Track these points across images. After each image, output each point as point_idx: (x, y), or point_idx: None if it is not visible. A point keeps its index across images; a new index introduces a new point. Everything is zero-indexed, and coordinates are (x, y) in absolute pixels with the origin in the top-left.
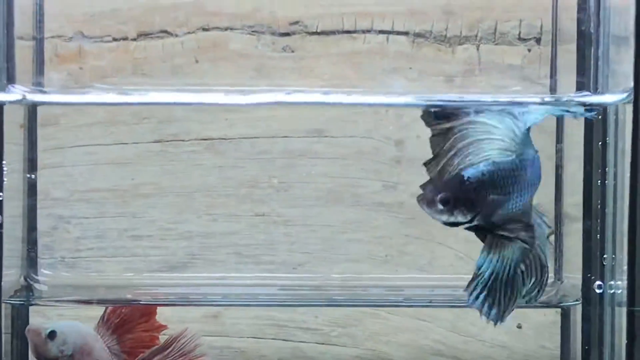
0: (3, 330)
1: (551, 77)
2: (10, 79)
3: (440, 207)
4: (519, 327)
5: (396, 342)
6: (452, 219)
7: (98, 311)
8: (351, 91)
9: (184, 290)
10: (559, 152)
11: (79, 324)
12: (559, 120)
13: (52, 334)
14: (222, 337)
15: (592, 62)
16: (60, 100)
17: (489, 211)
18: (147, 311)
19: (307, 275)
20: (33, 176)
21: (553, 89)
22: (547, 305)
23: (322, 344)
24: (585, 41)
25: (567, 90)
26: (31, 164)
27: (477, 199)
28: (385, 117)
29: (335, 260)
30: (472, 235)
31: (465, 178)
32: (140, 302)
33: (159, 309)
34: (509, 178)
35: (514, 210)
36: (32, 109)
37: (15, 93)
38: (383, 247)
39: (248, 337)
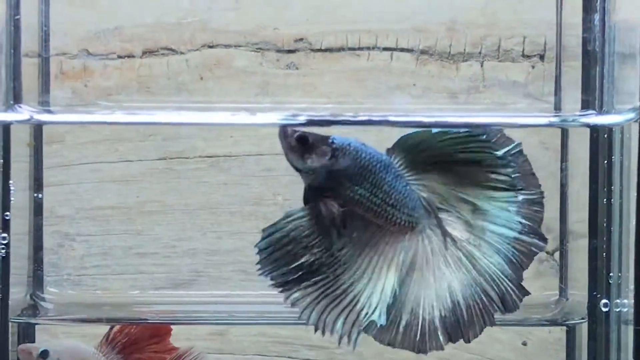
0: (10, 348)
1: (555, 94)
2: (17, 98)
3: (294, 142)
4: (524, 344)
5: (401, 359)
6: (298, 163)
7: (105, 329)
8: (358, 108)
9: (189, 308)
10: (564, 170)
11: (75, 342)
12: (564, 138)
13: (44, 354)
14: (228, 355)
15: (597, 80)
16: (66, 120)
17: (331, 179)
18: (160, 332)
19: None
20: (40, 195)
21: (557, 106)
22: (553, 322)
23: None
24: (590, 59)
25: (572, 106)
26: (37, 182)
27: (329, 160)
28: (390, 132)
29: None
30: None
31: (330, 139)
32: (147, 321)
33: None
34: (372, 166)
35: (364, 203)
36: (37, 127)
37: (22, 113)
38: None
39: (253, 355)
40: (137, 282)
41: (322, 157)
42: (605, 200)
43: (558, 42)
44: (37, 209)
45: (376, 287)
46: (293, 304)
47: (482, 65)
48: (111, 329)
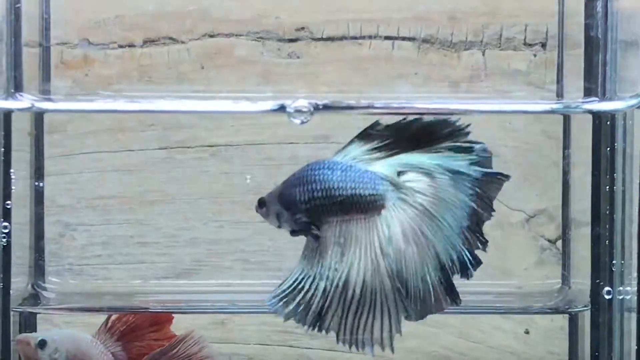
0: (12, 338)
1: (557, 82)
2: (18, 87)
3: (259, 209)
4: (527, 332)
5: (404, 348)
6: (275, 222)
7: (103, 319)
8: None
9: (190, 297)
10: (566, 158)
11: (72, 331)
12: (566, 126)
13: (42, 343)
14: (229, 344)
15: (599, 67)
16: (68, 108)
17: (294, 209)
18: (160, 320)
19: None
20: (41, 184)
21: (560, 94)
22: (556, 310)
23: (329, 350)
24: (593, 47)
25: (574, 95)
26: (38, 172)
27: (284, 199)
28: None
29: None
30: None
31: (283, 182)
32: (148, 310)
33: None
34: (314, 177)
35: (321, 209)
36: (38, 117)
37: (23, 101)
38: None
39: (255, 344)
40: (138, 272)
41: (279, 205)
42: (607, 187)
43: (560, 30)
44: (38, 198)
45: (376, 278)
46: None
47: (483, 54)
48: (109, 317)
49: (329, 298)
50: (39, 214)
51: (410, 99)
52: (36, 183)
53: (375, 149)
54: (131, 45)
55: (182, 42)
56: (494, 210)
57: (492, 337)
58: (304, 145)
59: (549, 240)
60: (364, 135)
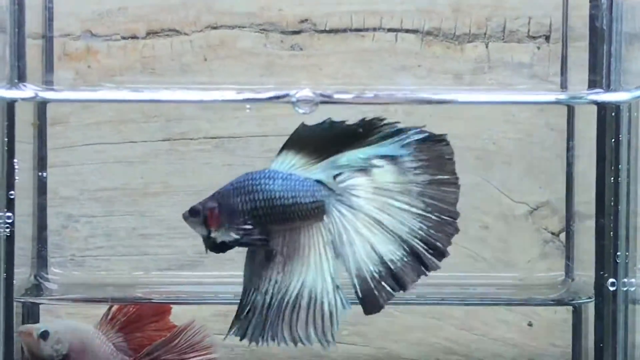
0: (15, 328)
1: (562, 74)
2: (21, 78)
3: (191, 218)
4: (530, 324)
5: (407, 340)
6: (207, 232)
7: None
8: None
9: (193, 289)
10: (570, 150)
11: (74, 322)
12: (570, 118)
13: (44, 334)
14: (232, 336)
15: (604, 59)
16: (72, 98)
17: (237, 220)
18: (160, 311)
19: None
20: (45, 174)
21: (564, 86)
22: (560, 302)
23: None
24: (598, 38)
25: (578, 87)
26: (41, 163)
27: (223, 210)
28: (394, 115)
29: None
30: (482, 233)
31: (216, 192)
32: (151, 301)
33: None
34: (255, 186)
35: (264, 219)
36: (42, 107)
37: (26, 90)
38: None
39: None
40: (141, 263)
41: (217, 216)
42: (612, 179)
43: (564, 22)
44: (42, 189)
45: (324, 280)
46: (251, 339)
47: (487, 46)
48: (110, 308)
49: (272, 310)
50: (42, 204)
51: (414, 91)
52: (40, 174)
53: (309, 154)
54: (134, 37)
55: (185, 34)
56: (456, 185)
57: (495, 329)
58: None
59: (552, 233)
60: (295, 141)
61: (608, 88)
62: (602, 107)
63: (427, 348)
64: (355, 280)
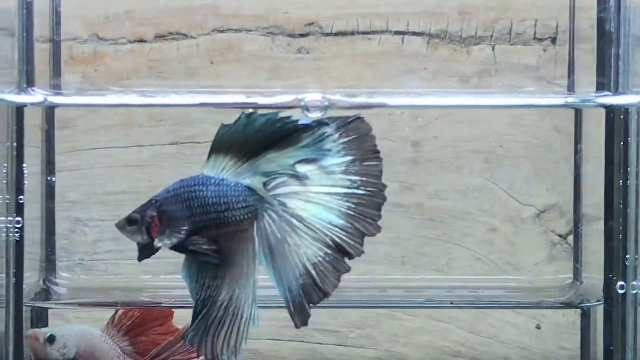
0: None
1: (569, 76)
2: (30, 82)
3: (128, 227)
4: (538, 327)
5: (414, 343)
6: (149, 240)
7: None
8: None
9: None
10: (578, 152)
11: (82, 326)
12: (577, 120)
13: (51, 338)
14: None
15: (612, 61)
16: (80, 102)
17: (177, 227)
18: (163, 314)
19: None
20: (53, 179)
21: (571, 89)
22: (568, 305)
23: (340, 345)
24: (606, 41)
25: (584, 89)
26: (49, 167)
27: (163, 218)
28: (400, 119)
29: (353, 261)
30: (490, 236)
31: (153, 200)
32: (160, 305)
33: (176, 311)
34: (191, 193)
35: (203, 224)
36: (49, 112)
37: (35, 95)
38: (400, 249)
39: (266, 339)
40: (148, 267)
41: (158, 222)
42: (621, 181)
43: (571, 24)
44: (50, 193)
45: (248, 289)
46: (192, 345)
47: (493, 49)
48: (116, 312)
49: (202, 316)
50: (50, 209)
51: (422, 94)
52: (48, 178)
53: (236, 154)
54: (141, 41)
55: (192, 37)
56: (378, 158)
57: (503, 332)
58: None
59: (560, 235)
60: (220, 144)
61: (616, 90)
62: (610, 109)
63: (436, 351)
64: (287, 295)
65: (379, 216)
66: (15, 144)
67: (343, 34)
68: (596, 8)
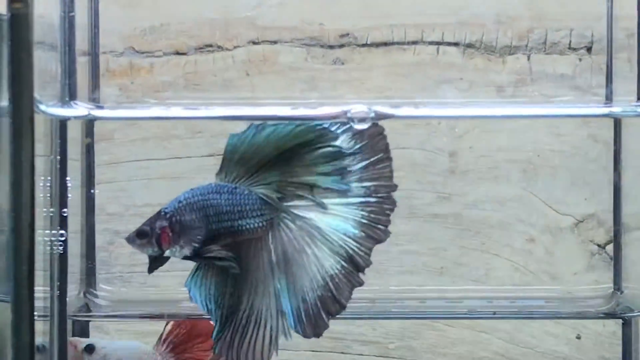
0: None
1: (606, 86)
2: (72, 96)
3: (139, 241)
4: (578, 337)
5: (454, 354)
6: (160, 252)
7: (156, 326)
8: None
9: None
10: (617, 162)
11: (134, 342)
12: (617, 130)
13: (89, 348)
14: (280, 351)
15: None
16: (123, 115)
17: (192, 236)
18: (205, 331)
19: (363, 288)
20: (93, 191)
21: (609, 98)
22: (610, 315)
23: (380, 356)
24: None
25: (621, 98)
26: (89, 180)
27: (176, 228)
28: (437, 129)
29: (391, 272)
30: (528, 246)
31: (162, 211)
32: (202, 317)
33: None
34: (205, 202)
35: (217, 232)
36: (89, 125)
37: (78, 109)
38: (438, 259)
39: (306, 351)
40: (184, 279)
41: (169, 234)
42: None
43: (609, 33)
44: (90, 206)
45: (265, 299)
46: (221, 355)
47: (528, 59)
48: (164, 329)
49: (223, 324)
50: (90, 222)
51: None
52: (92, 191)
53: (249, 166)
54: (177, 53)
55: (228, 50)
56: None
57: (543, 342)
58: None
59: (599, 245)
60: (232, 153)
61: None
62: None
63: None
64: (301, 305)
65: (389, 221)
66: (59, 157)
67: (378, 44)
68: (637, 17)
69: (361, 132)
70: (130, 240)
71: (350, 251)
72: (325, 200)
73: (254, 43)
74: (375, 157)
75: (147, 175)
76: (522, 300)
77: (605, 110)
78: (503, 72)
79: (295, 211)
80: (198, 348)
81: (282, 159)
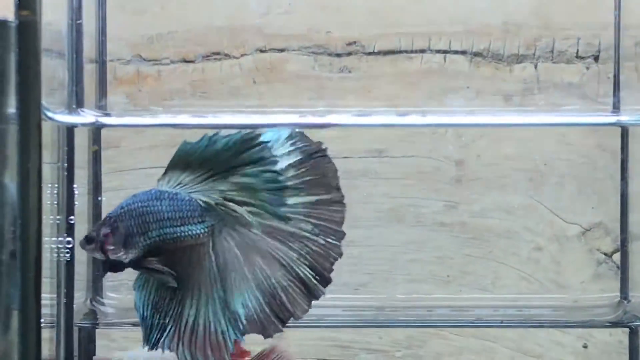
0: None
1: (614, 94)
2: (79, 103)
3: (87, 246)
4: (585, 346)
5: None
6: (104, 255)
7: None
8: (409, 111)
9: None
10: (624, 171)
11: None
12: (624, 138)
13: None
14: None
15: None
16: (131, 123)
17: (133, 243)
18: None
19: (370, 296)
20: (104, 198)
21: (616, 107)
22: (617, 324)
23: None
24: None
25: (629, 107)
26: (96, 187)
27: (117, 234)
28: (444, 137)
29: (398, 280)
30: (535, 255)
31: (107, 217)
32: None
33: None
34: (145, 208)
35: (159, 238)
36: (96, 132)
37: (86, 116)
38: (445, 267)
39: (312, 359)
40: None
41: (112, 239)
42: None
43: (617, 42)
44: (97, 213)
45: (210, 305)
46: (170, 350)
47: (536, 67)
48: None
49: (170, 332)
50: None
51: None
52: (99, 198)
53: (194, 172)
54: (184, 61)
55: (235, 57)
56: (342, 203)
57: (550, 351)
58: (358, 159)
59: (605, 254)
60: (179, 160)
61: None
62: None
63: None
64: (244, 311)
65: (332, 270)
66: (66, 164)
67: (385, 53)
68: None
69: (311, 158)
70: (81, 245)
71: (296, 267)
72: (267, 221)
73: (261, 51)
74: (328, 197)
75: (153, 183)
76: (529, 308)
77: (613, 118)
78: (510, 80)
79: (238, 222)
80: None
81: (229, 172)
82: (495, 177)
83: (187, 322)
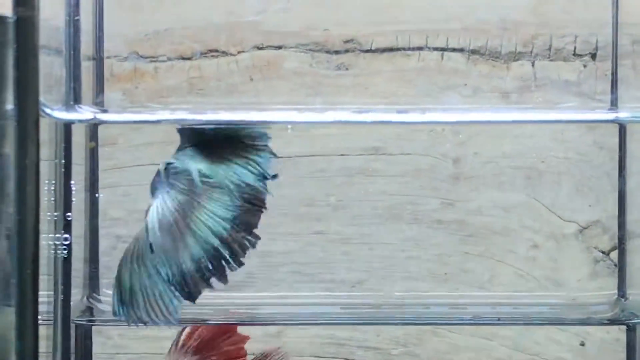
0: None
1: (612, 92)
2: (76, 99)
3: None
4: (582, 344)
5: (460, 359)
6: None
7: (156, 331)
8: (408, 109)
9: (243, 310)
10: (622, 168)
11: None
12: (621, 136)
13: None
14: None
15: None
16: (128, 119)
17: None
18: (229, 327)
19: (367, 294)
20: (101, 195)
21: (614, 104)
22: (614, 322)
23: None
24: None
25: (629, 105)
26: (93, 184)
27: None
28: (441, 135)
29: (395, 278)
30: (532, 252)
31: None
32: (206, 322)
33: None
34: None
35: None
36: (93, 129)
37: (83, 113)
38: (442, 265)
39: (309, 356)
40: None
41: None
42: None
43: (614, 40)
44: (94, 210)
45: (144, 273)
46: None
47: (533, 65)
48: (180, 334)
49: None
50: (94, 226)
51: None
52: (97, 195)
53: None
54: (181, 58)
55: (232, 55)
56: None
57: (547, 349)
58: (355, 157)
59: (603, 252)
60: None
61: None
62: None
63: None
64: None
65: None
66: (63, 161)
67: (383, 50)
68: None
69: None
70: None
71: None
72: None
73: (259, 48)
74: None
75: (150, 179)
76: (526, 306)
77: (612, 116)
78: (507, 78)
79: (177, 187)
80: (226, 343)
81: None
82: (492, 175)
83: (130, 287)
